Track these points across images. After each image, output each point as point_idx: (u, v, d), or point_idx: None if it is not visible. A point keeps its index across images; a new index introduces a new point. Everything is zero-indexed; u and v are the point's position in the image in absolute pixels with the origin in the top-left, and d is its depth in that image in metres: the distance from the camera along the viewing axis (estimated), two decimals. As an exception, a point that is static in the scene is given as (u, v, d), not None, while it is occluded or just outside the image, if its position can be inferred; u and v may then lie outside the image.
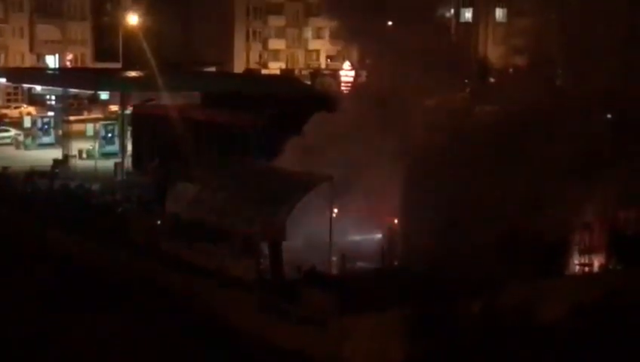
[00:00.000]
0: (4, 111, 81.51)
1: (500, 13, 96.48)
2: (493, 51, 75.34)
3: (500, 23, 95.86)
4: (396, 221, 31.83)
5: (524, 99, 32.99)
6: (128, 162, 52.65)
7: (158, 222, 34.30)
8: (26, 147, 62.31)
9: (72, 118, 64.19)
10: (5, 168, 43.25)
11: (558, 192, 30.45)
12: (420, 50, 33.90)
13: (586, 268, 31.91)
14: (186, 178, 36.02)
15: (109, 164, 52.21)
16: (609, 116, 35.08)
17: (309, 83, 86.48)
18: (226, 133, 45.98)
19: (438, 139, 31.08)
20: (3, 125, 68.94)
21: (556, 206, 30.57)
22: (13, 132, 65.73)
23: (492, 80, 41.30)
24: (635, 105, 32.89)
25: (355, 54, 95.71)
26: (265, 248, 30.13)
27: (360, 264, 30.52)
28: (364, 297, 26.85)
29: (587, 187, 30.94)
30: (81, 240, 35.21)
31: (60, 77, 72.09)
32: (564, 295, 28.73)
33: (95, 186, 44.62)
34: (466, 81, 38.50)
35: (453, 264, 27.86)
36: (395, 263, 30.57)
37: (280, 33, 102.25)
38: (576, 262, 31.98)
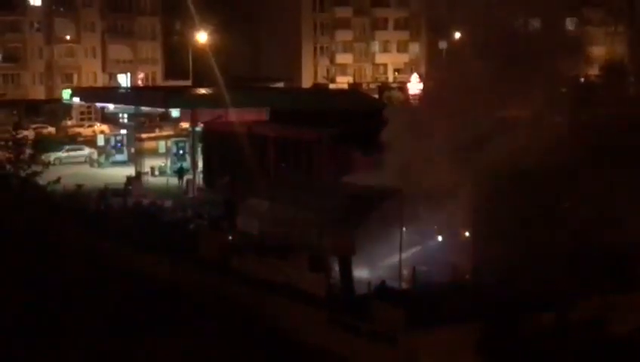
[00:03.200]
0: (78, 130, 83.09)
1: (568, 23, 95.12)
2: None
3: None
4: (467, 233, 31.63)
5: (598, 111, 32.63)
6: (199, 178, 53.27)
7: (229, 238, 34.61)
8: (100, 165, 63.44)
9: (144, 135, 65.10)
10: (79, 186, 44.02)
11: (633, 204, 30.02)
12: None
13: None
14: (256, 194, 36.33)
15: (181, 181, 52.87)
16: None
17: (376, 97, 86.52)
18: (295, 149, 46.23)
19: (512, 151, 30.75)
20: (77, 144, 70.20)
21: (631, 217, 30.14)
22: (87, 150, 66.97)
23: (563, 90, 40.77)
24: None
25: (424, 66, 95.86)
26: (334, 263, 30.26)
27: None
28: (435, 311, 26.83)
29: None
30: (153, 257, 35.67)
31: (132, 95, 73.34)
32: (638, 308, 28.18)
33: (167, 203, 45.18)
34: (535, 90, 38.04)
35: (526, 277, 27.64)
36: (466, 276, 30.37)
37: (347, 47, 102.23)
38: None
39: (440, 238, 31.78)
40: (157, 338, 27.33)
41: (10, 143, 35.53)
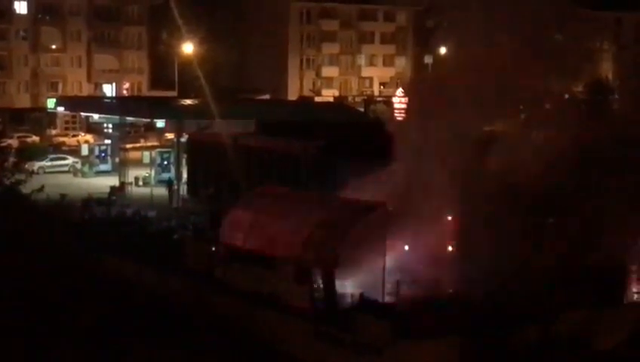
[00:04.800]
0: (63, 139, 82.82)
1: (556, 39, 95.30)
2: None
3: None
4: (451, 248, 31.66)
5: (581, 128, 32.71)
6: (184, 189, 53.12)
7: (213, 249, 34.52)
8: (84, 175, 63.17)
9: (128, 145, 65.10)
10: (63, 195, 43.83)
11: (616, 222, 30.14)
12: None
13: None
14: (240, 205, 36.27)
15: (165, 191, 52.77)
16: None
17: (362, 110, 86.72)
18: (280, 160, 46.21)
19: (497, 170, 30.79)
20: (61, 153, 69.95)
21: (614, 235, 30.26)
22: (70, 160, 66.70)
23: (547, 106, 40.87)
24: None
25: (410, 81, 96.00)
26: (318, 276, 30.22)
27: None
28: (419, 324, 26.81)
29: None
30: (137, 267, 35.52)
31: (117, 105, 73.12)
32: (622, 323, 28.26)
33: (151, 213, 45.07)
34: (521, 107, 38.15)
35: (510, 292, 27.70)
36: (450, 290, 30.37)
37: (333, 60, 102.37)
38: (634, 290, 31.49)
39: (406, 248, 31.46)
40: (142, 349, 27.22)
41: (-6, 150, 35.48)
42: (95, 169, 64.08)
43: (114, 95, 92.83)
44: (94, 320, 27.79)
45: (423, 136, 34.39)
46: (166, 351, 27.42)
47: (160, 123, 62.96)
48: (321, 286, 29.89)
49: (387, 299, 29.66)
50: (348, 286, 29.93)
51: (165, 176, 56.55)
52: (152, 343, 27.86)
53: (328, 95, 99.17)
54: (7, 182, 34.19)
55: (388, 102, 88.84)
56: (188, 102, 66.16)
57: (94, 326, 27.69)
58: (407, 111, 67.39)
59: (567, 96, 40.42)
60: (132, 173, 59.01)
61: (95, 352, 26.72)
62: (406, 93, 76.96)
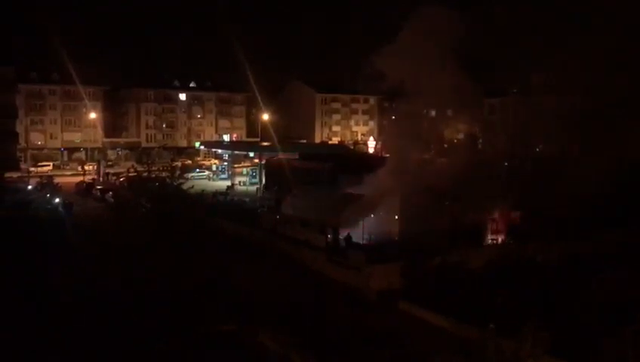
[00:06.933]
0: (203, 161, 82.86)
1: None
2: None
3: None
4: (397, 217, 31.45)
5: (463, 157, 32.46)
6: (262, 188, 53.03)
7: (277, 217, 34.48)
8: (213, 180, 63.08)
9: (235, 165, 64.90)
10: (202, 190, 43.81)
11: (480, 204, 29.86)
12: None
13: (494, 241, 31.09)
14: (291, 195, 36.21)
15: (253, 188, 52.62)
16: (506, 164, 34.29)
17: (352, 147, 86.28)
18: (310, 173, 45.98)
19: (421, 179, 30.47)
20: (202, 169, 70.10)
21: (478, 211, 29.98)
22: (207, 172, 66.69)
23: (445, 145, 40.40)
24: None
25: (376, 133, 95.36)
26: (330, 231, 30.10)
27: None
28: (380, 256, 26.65)
29: (494, 200, 30.36)
30: (238, 226, 35.47)
31: (230, 145, 73.30)
32: (482, 255, 27.99)
33: (246, 199, 44.98)
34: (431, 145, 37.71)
35: (426, 239, 27.45)
36: (396, 238, 30.20)
37: (338, 123, 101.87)
38: (489, 237, 31.17)
39: (372, 216, 30.81)
40: (239, 264, 27.05)
41: (168, 167, 35.59)
42: (219, 177, 63.99)
43: (228, 140, 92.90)
44: (214, 248, 27.57)
45: (385, 159, 34.27)
46: (253, 264, 27.28)
47: (251, 154, 62.82)
48: (331, 236, 29.90)
49: (363, 242, 29.62)
50: (343, 236, 29.92)
51: (254, 180, 56.49)
52: (245, 261, 27.73)
53: (335, 140, 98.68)
54: (175, 183, 34.22)
55: (365, 144, 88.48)
56: (265, 143, 66.02)
57: (218, 251, 27.47)
58: (375, 147, 67.08)
59: (455, 140, 40.10)
60: (237, 179, 58.87)
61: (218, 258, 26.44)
62: (375, 139, 76.62)
